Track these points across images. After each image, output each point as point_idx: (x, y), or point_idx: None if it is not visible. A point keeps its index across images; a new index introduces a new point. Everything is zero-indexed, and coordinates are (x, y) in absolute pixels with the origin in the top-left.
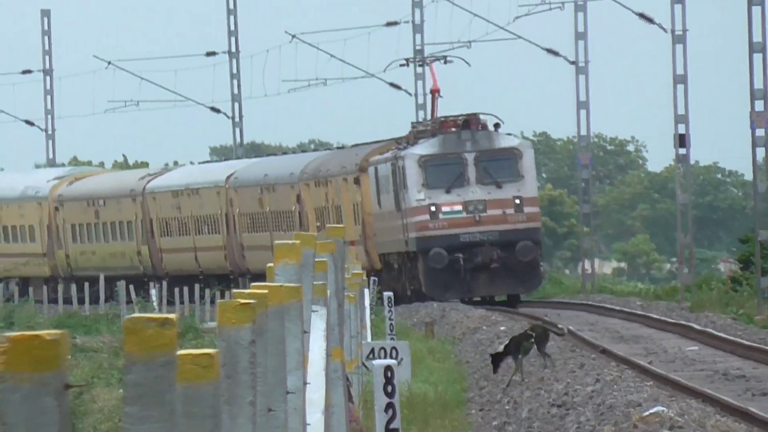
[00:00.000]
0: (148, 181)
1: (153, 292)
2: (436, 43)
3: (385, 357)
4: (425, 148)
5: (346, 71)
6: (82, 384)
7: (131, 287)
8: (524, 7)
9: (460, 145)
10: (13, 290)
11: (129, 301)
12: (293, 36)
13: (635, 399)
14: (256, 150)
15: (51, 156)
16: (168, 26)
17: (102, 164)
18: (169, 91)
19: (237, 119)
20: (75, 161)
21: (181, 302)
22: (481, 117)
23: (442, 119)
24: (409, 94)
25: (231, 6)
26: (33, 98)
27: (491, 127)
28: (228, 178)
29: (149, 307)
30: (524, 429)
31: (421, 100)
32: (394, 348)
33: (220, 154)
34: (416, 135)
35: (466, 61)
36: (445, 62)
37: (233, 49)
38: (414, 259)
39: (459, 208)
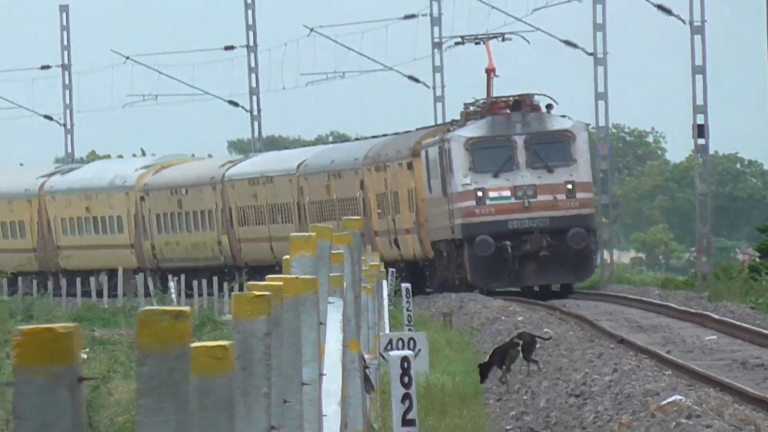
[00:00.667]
0: (228, 169)
1: (171, 284)
2: (455, 36)
3: (402, 348)
4: (473, 130)
5: (364, 64)
6: (96, 377)
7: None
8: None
9: (510, 127)
10: (102, 282)
11: (147, 294)
12: (311, 29)
13: (653, 388)
14: (275, 143)
15: (69, 150)
16: (186, 21)
17: (121, 157)
18: (188, 85)
19: (255, 113)
20: (93, 155)
21: (200, 294)
22: (535, 98)
23: (493, 100)
24: (428, 86)
25: (249, 0)
26: (52, 93)
27: (544, 109)
28: (299, 165)
29: (167, 299)
30: (542, 419)
31: (439, 92)
32: (411, 339)
33: (238, 147)
34: (467, 116)
35: (525, 39)
36: (503, 40)
37: (251, 43)
38: (460, 247)
39: (507, 193)
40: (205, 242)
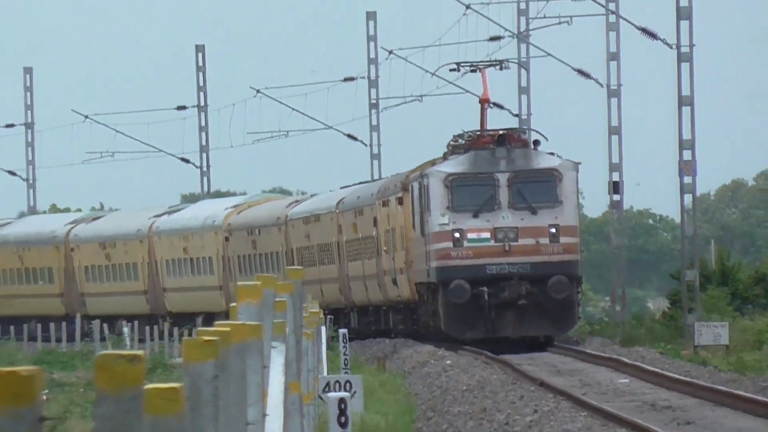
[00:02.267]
0: (291, 209)
1: (125, 329)
2: (390, 98)
3: (339, 390)
4: (453, 165)
5: (306, 123)
6: (55, 417)
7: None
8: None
9: (493, 163)
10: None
11: (103, 339)
12: (258, 91)
13: (570, 428)
14: (222, 197)
15: (32, 204)
16: (141, 82)
17: (79, 210)
18: (142, 142)
19: (205, 169)
20: (54, 208)
21: (151, 339)
22: (526, 132)
23: (479, 133)
24: (365, 144)
25: (200, 63)
26: (15, 150)
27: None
28: (338, 203)
29: (122, 343)
30: None
31: (375, 150)
32: (348, 381)
33: (189, 201)
34: (452, 150)
35: (524, 67)
36: (501, 68)
37: (202, 103)
38: (436, 292)
39: (487, 235)
40: None
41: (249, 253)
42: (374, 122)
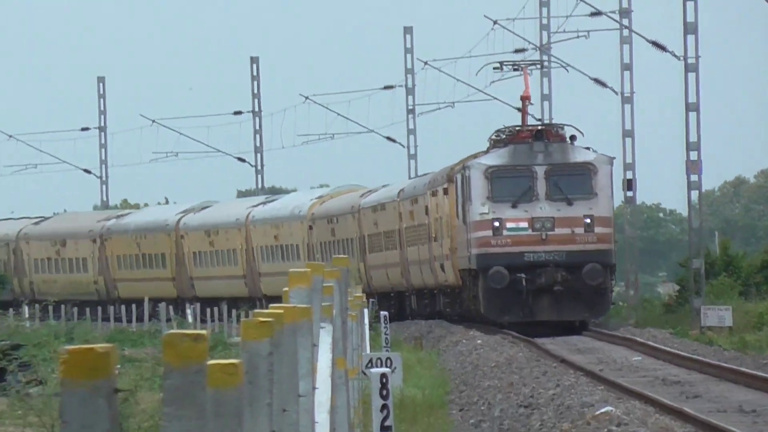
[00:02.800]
0: (363, 198)
1: (189, 311)
2: (426, 104)
3: (381, 366)
4: (494, 158)
5: (350, 127)
6: (128, 389)
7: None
8: (498, 72)
9: (531, 156)
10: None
11: (168, 319)
12: (306, 97)
13: (589, 400)
14: (276, 193)
15: (105, 199)
16: (202, 89)
17: (146, 205)
18: (203, 143)
19: (259, 168)
20: (125, 203)
21: (212, 320)
22: (563, 128)
23: (519, 128)
24: (403, 146)
25: (254, 72)
26: (90, 150)
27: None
28: (399, 193)
29: (186, 324)
30: (497, 426)
31: (412, 152)
32: (389, 358)
33: (245, 196)
34: (493, 144)
35: (564, 67)
36: (541, 68)
37: (256, 109)
38: (476, 278)
39: (525, 224)
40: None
41: (329, 240)
42: (411, 126)
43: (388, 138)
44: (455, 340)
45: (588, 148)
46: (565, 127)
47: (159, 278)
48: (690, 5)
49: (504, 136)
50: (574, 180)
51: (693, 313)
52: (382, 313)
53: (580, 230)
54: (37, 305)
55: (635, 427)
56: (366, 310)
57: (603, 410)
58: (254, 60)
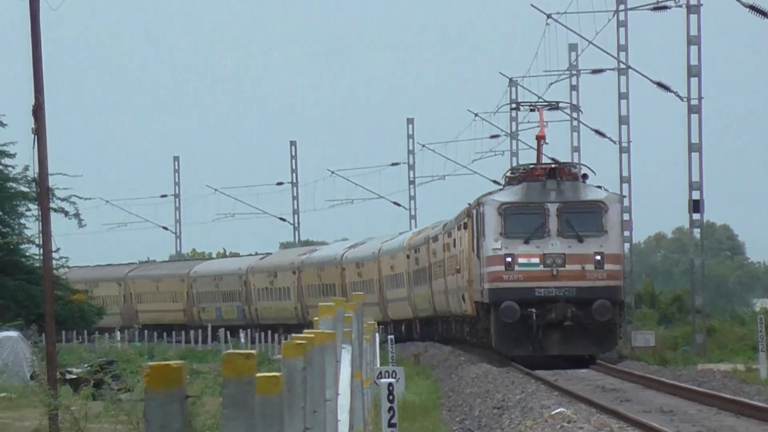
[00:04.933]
0: (383, 245)
1: (242, 335)
2: (423, 176)
3: (388, 377)
4: (507, 195)
5: (365, 194)
6: (195, 396)
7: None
8: (478, 153)
9: (544, 194)
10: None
11: (226, 341)
12: (332, 171)
13: (546, 403)
14: (308, 244)
15: (179, 250)
16: (254, 164)
17: (210, 255)
18: (254, 207)
19: (296, 225)
20: (194, 253)
21: (260, 341)
22: (577, 166)
23: (532, 166)
24: (405, 209)
25: (293, 153)
26: (167, 212)
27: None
28: (408, 240)
29: (239, 345)
30: (476, 422)
31: (413, 213)
32: (394, 371)
33: (285, 248)
34: (508, 181)
35: (578, 108)
36: (557, 108)
37: (294, 180)
38: (488, 311)
39: (536, 260)
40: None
41: (356, 280)
42: (412, 194)
43: (395, 203)
44: (444, 357)
45: (599, 187)
46: (578, 166)
47: (285, 308)
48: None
49: (518, 174)
50: (586, 217)
51: (626, 336)
52: (389, 337)
53: (590, 267)
54: (127, 330)
55: (581, 423)
56: (377, 335)
57: (557, 411)
58: (293, 143)
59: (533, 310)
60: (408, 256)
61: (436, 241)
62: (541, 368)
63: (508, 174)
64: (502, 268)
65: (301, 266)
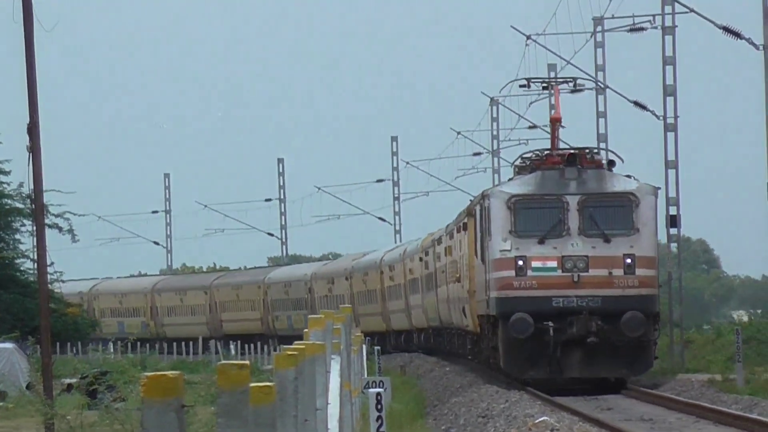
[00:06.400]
0: (385, 256)
1: (231, 346)
2: (407, 192)
3: (375, 387)
4: (518, 185)
5: (351, 210)
6: (191, 405)
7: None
8: (461, 170)
9: (563, 185)
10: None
11: (216, 352)
12: (319, 188)
13: (530, 412)
14: (297, 260)
15: (170, 264)
16: (241, 182)
17: (201, 269)
18: (242, 222)
19: (284, 240)
20: (184, 267)
21: (249, 353)
22: (600, 152)
23: (547, 152)
24: (390, 224)
25: (280, 170)
26: (158, 228)
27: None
28: (403, 251)
29: (229, 356)
30: (461, 431)
31: (398, 227)
32: (381, 381)
33: (273, 262)
34: (517, 170)
35: (600, 85)
36: (575, 87)
37: (282, 197)
38: (495, 326)
39: (554, 263)
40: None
41: (363, 290)
42: (396, 209)
43: (380, 218)
44: (430, 368)
45: (629, 176)
46: (602, 152)
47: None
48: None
49: (530, 161)
50: (613, 213)
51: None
52: (375, 348)
53: (618, 272)
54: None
55: (564, 431)
56: (364, 346)
57: (540, 419)
58: (280, 160)
59: (550, 323)
60: (420, 259)
61: (440, 244)
62: (561, 394)
63: (518, 162)
64: (512, 273)
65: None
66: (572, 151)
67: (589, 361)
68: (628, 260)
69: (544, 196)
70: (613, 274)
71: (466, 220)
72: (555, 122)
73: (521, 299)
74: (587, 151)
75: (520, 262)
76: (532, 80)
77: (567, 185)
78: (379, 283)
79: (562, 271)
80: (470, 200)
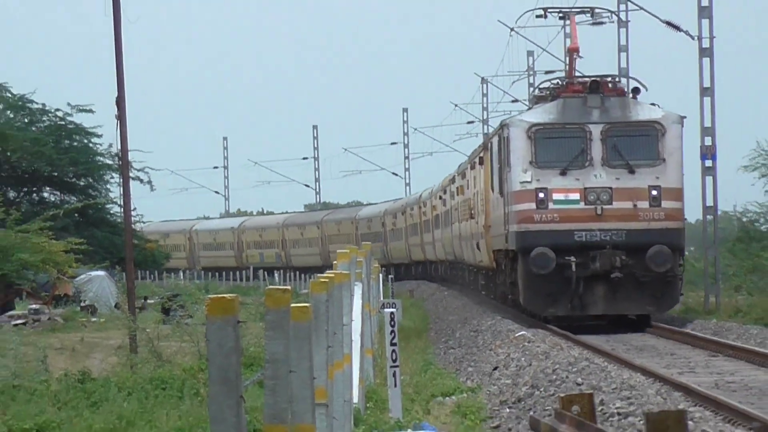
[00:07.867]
0: (401, 203)
1: (276, 276)
2: (416, 153)
3: (390, 307)
4: (538, 114)
5: (371, 166)
6: (244, 321)
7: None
8: (458, 135)
9: (585, 113)
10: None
11: (264, 279)
12: (345, 149)
13: (512, 328)
14: (326, 206)
15: (228, 209)
16: (286, 142)
17: (252, 212)
18: (284, 176)
19: (318, 191)
20: (239, 211)
21: (293, 279)
22: (622, 80)
23: (568, 80)
24: (401, 178)
25: (315, 135)
26: (218, 179)
27: (629, 94)
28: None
29: (275, 283)
30: (457, 342)
31: (408, 182)
32: (394, 302)
33: (308, 209)
34: (536, 99)
35: (620, 18)
36: (593, 15)
37: (316, 155)
38: (515, 261)
39: (576, 196)
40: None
41: (388, 228)
42: (407, 167)
43: (394, 173)
44: (432, 293)
45: (654, 104)
46: (624, 80)
47: (312, 254)
48: None
49: (550, 90)
50: (638, 142)
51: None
52: (390, 277)
53: (644, 204)
54: (188, 271)
55: (539, 342)
56: (381, 275)
57: (520, 333)
58: (315, 127)
59: (572, 258)
60: (440, 197)
61: (453, 183)
62: (584, 332)
63: (536, 92)
64: (533, 205)
65: (323, 222)
66: (595, 79)
67: (612, 298)
68: (654, 192)
69: (566, 125)
70: (638, 207)
71: (482, 154)
72: (573, 52)
73: (542, 233)
74: (609, 78)
75: (541, 195)
76: (549, 10)
77: (590, 114)
78: (403, 222)
79: (585, 204)
80: (486, 133)
